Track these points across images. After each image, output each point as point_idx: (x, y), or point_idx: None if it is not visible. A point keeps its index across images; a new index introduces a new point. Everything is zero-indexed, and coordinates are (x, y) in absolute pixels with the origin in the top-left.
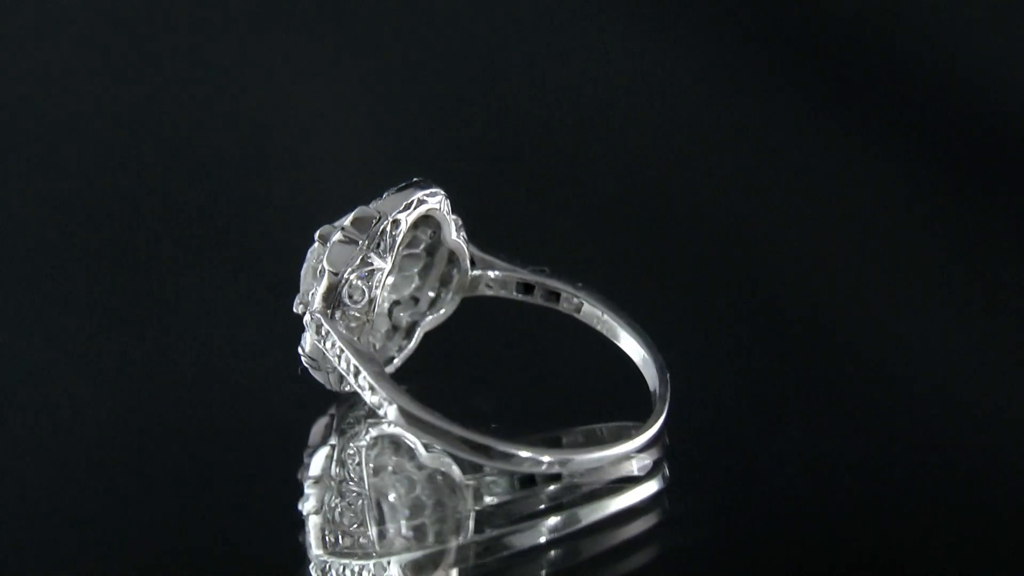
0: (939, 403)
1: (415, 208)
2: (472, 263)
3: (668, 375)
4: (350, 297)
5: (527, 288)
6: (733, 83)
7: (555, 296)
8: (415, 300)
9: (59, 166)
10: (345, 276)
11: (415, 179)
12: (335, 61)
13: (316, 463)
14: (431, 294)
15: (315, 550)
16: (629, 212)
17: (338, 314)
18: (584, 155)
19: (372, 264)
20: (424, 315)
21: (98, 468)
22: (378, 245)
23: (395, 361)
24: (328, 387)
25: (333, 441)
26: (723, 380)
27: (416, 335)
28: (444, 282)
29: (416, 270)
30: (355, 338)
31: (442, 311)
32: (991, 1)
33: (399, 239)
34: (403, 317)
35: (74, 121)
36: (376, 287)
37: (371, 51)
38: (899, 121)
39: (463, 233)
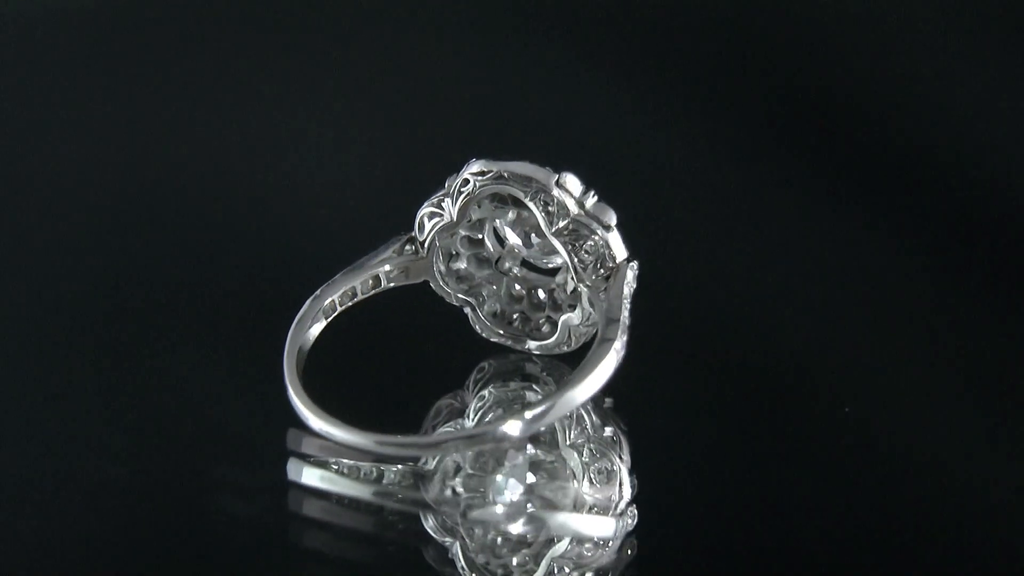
0: (918, 469)
1: (491, 178)
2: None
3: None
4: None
5: None
6: (732, 153)
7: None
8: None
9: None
10: (424, 210)
11: (564, 172)
12: (336, 107)
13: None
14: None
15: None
16: None
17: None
18: None
19: (440, 209)
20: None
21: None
22: (449, 194)
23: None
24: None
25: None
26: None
27: (559, 325)
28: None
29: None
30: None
31: (575, 313)
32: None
33: (466, 196)
34: (563, 304)
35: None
36: (434, 231)
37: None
38: (884, 187)
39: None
